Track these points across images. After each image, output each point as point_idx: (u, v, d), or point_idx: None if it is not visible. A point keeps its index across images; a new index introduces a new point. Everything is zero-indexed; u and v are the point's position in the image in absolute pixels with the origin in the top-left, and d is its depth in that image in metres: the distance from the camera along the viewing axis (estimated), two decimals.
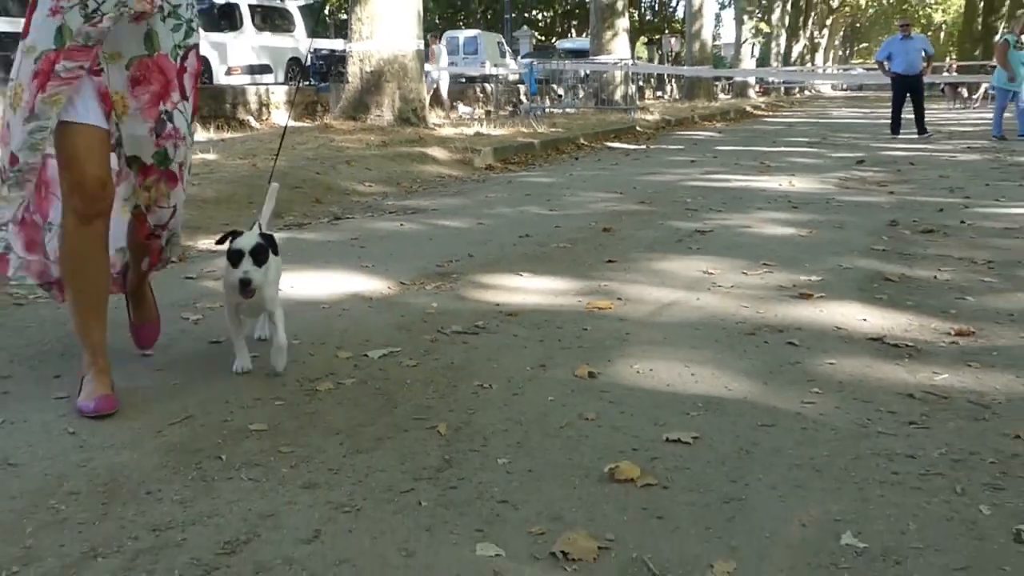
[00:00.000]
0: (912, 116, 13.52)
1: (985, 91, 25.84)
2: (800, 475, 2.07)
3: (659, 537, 1.80)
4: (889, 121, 13.94)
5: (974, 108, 25.16)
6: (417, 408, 2.50)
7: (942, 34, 69.11)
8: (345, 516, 1.88)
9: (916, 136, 13.10)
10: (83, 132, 2.43)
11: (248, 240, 2.58)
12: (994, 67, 22.06)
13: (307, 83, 17.56)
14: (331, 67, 18.14)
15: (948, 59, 50.05)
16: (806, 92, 47.27)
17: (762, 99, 32.47)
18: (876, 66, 15.31)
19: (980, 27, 38.63)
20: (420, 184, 7.64)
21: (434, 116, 13.55)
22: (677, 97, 29.75)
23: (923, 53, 13.47)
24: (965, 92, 26.17)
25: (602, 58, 18.32)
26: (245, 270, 2.53)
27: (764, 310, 3.51)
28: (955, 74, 29.04)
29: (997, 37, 14.14)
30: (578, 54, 25.42)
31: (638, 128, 14.88)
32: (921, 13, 61.99)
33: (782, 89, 41.33)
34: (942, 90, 30.98)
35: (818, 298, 3.69)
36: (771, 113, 24.98)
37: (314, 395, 2.58)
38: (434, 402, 2.55)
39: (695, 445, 2.25)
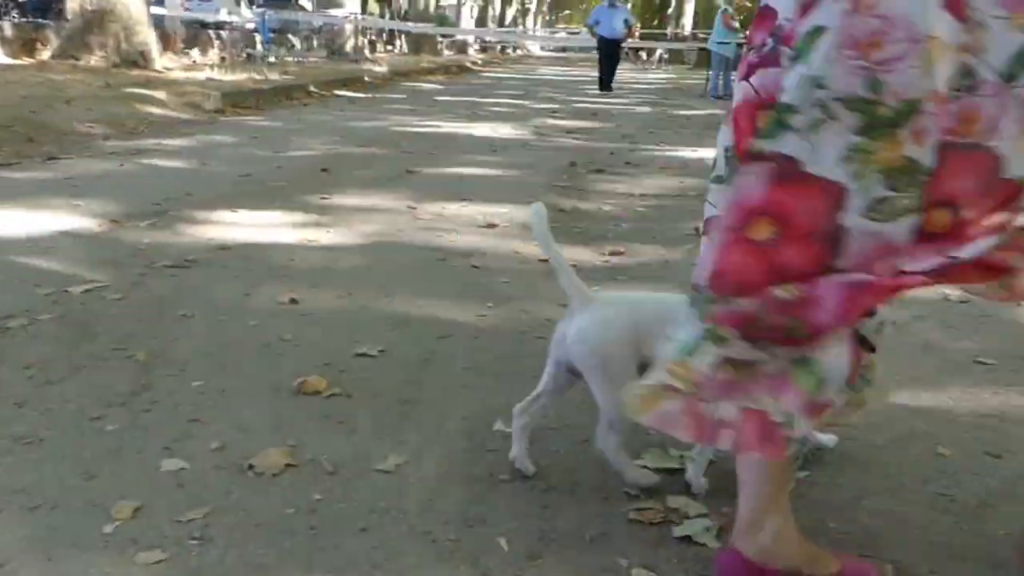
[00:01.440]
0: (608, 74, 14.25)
1: (660, 55, 27.90)
2: (468, 377, 2.17)
3: (338, 440, 1.81)
4: (597, 79, 14.40)
5: (651, 70, 27.08)
6: (118, 339, 2.32)
7: (629, 5, 73.27)
8: (26, 447, 1.72)
9: (601, 91, 13.86)
10: None
11: None
12: (664, 34, 23.56)
13: (24, 19, 15.46)
14: (51, 3, 16.08)
15: (635, 26, 53.23)
16: (519, 51, 48.49)
17: (480, 56, 32.92)
18: (578, 31, 15.95)
19: (658, 1, 41.47)
20: (145, 126, 7.02)
21: (166, 60, 12.47)
22: (406, 52, 29.46)
23: (625, 22, 14.06)
24: (644, 56, 28.08)
25: (333, 11, 17.68)
26: None
27: (456, 239, 3.60)
28: (637, 40, 31.03)
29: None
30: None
31: (367, 78, 14.55)
32: None
33: (498, 48, 42.15)
34: (626, 53, 32.96)
35: (503, 227, 3.84)
36: (487, 69, 25.39)
37: (4, 332, 2.32)
38: (137, 331, 2.38)
39: (380, 357, 2.27)
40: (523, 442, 1.67)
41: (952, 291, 2.92)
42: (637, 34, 14.75)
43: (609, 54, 14.16)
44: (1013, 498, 1.62)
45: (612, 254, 3.42)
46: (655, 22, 38.64)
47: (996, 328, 2.57)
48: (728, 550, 1.34)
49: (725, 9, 14.15)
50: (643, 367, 1.43)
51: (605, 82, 14.22)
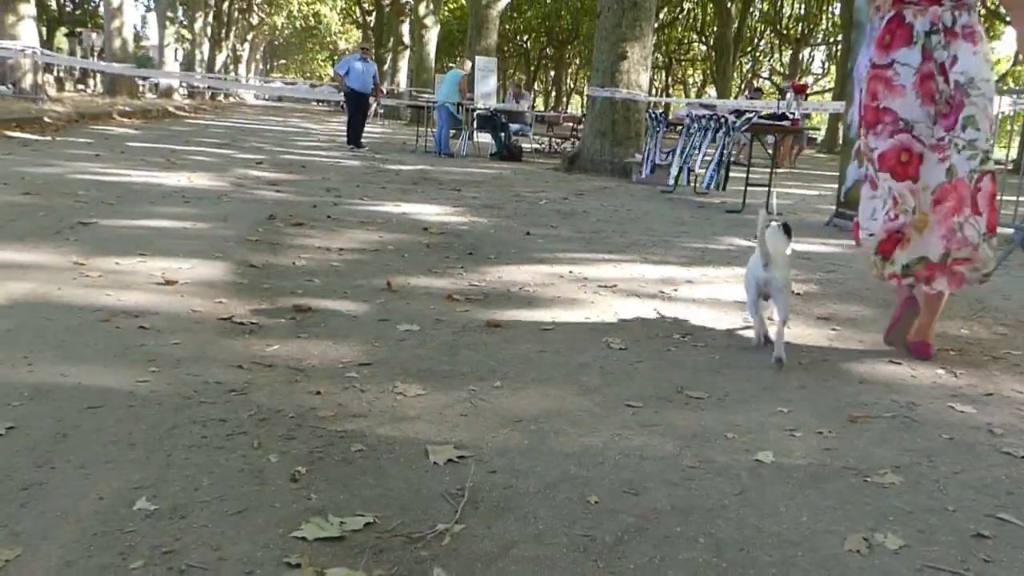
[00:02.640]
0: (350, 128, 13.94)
1: (375, 109, 28.30)
2: (113, 451, 1.97)
3: None
4: (346, 133, 14.05)
5: (368, 123, 27.35)
6: None
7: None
8: None
9: (349, 146, 13.60)
10: None
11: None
12: (380, 89, 23.93)
13: None
14: None
15: None
16: (231, 99, 46.99)
17: (187, 102, 31.38)
18: (294, 81, 15.62)
19: (373, 58, 42.25)
20: None
21: None
22: (100, 91, 27.28)
23: (373, 78, 14.01)
24: None
25: (5, 43, 15.92)
26: None
27: (125, 298, 3.33)
28: None
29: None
30: None
31: (47, 119, 13.25)
32: (328, 40, 65.67)
33: (208, 94, 40.46)
34: (342, 107, 33.06)
35: (182, 284, 3.62)
36: (193, 115, 24.25)
37: None
38: None
39: (8, 435, 2.01)
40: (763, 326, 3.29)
41: (614, 340, 3.20)
42: (382, 94, 14.54)
43: (359, 107, 14.01)
44: (645, 532, 1.77)
45: (299, 311, 3.33)
46: None
47: (646, 372, 2.84)
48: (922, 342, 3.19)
49: (464, 75, 14.79)
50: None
51: (353, 137, 13.89)
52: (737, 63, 39.21)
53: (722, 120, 8.33)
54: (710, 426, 2.37)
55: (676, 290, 4.19)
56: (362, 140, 14.12)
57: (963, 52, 2.91)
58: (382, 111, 28.49)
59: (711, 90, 42.86)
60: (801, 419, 2.48)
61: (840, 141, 24.29)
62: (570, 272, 4.48)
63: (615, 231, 6.18)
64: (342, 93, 14.54)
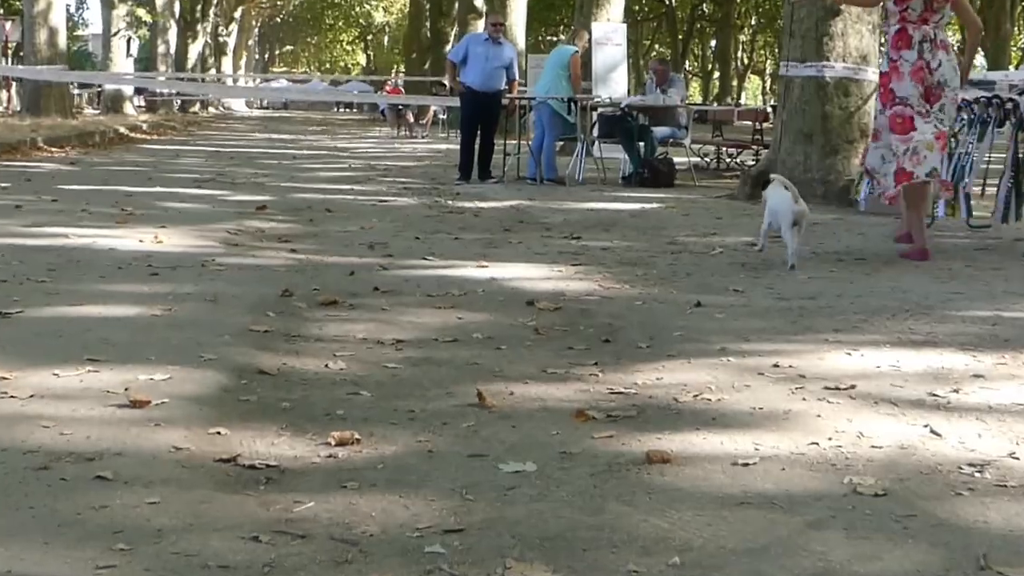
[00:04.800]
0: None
1: (434, 115, 29.02)
2: None
3: None
4: (459, 161, 14.07)
5: (423, 136, 28.05)
6: None
7: (386, 39, 76.71)
8: None
9: (459, 181, 13.71)
10: None
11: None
12: (440, 83, 24.42)
13: None
14: None
15: (395, 71, 55.74)
16: (211, 109, 49.14)
17: (145, 117, 32.96)
18: (307, 77, 15.93)
19: (429, 33, 43.52)
20: None
21: None
22: (17, 109, 28.93)
23: (508, 69, 13.89)
24: (411, 117, 29.07)
25: None
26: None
27: (72, 431, 3.43)
28: (406, 96, 32.30)
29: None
30: None
31: None
32: (359, 11, 68.24)
33: (177, 104, 42.42)
34: (382, 113, 34.13)
35: (157, 406, 3.71)
36: (157, 136, 25.45)
37: None
38: None
39: None
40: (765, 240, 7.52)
41: (863, 480, 3.10)
42: (516, 90, 13.53)
43: (482, 117, 13.80)
44: None
45: (340, 444, 3.37)
46: (426, 64, 40.39)
47: (923, 534, 2.73)
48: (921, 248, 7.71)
49: (576, 51, 14.45)
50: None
51: (468, 167, 13.89)
52: (1021, 10, 38.68)
53: (1010, 106, 8.18)
54: None
55: (957, 391, 4.07)
56: (491, 168, 14.06)
57: (943, 59, 7.09)
58: (444, 117, 29.18)
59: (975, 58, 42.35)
60: None
61: None
62: (775, 366, 4.42)
63: (841, 295, 6.09)
64: (453, 91, 14.52)
